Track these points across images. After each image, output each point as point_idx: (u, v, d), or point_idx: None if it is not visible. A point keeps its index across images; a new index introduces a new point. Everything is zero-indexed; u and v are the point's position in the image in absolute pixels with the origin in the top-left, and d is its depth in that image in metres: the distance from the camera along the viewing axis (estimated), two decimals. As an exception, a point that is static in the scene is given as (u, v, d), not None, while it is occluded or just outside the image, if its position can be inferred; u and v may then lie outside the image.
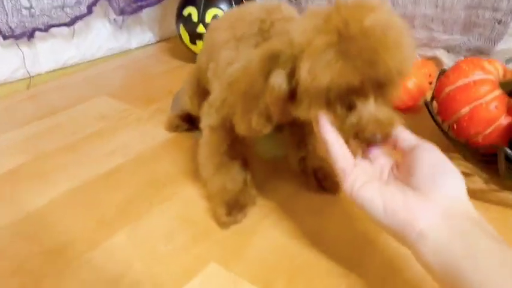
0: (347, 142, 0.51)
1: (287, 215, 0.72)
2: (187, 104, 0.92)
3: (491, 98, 0.77)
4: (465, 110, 0.78)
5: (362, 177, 0.49)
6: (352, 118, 0.50)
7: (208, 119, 0.73)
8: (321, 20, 0.48)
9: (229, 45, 0.68)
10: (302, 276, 0.60)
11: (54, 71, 1.35)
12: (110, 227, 0.70)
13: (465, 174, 0.77)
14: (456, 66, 0.83)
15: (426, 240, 0.42)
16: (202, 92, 0.83)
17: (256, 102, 0.56)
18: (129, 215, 0.73)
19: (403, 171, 0.49)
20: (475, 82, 0.78)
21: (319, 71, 0.47)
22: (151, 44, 1.63)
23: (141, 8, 1.43)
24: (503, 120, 0.77)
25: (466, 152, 0.82)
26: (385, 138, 0.51)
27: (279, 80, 0.52)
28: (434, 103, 0.87)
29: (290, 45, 0.50)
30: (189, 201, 0.76)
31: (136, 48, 1.58)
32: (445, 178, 0.45)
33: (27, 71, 1.27)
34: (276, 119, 0.57)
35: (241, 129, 0.62)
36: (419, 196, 0.44)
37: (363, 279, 0.59)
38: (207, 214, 0.73)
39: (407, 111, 1.03)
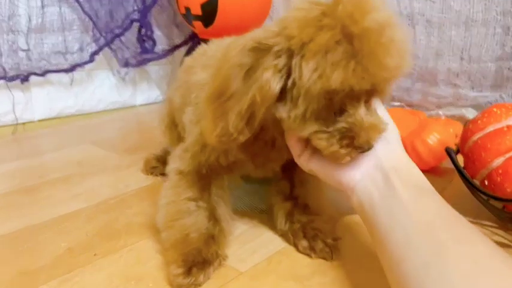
0: (332, 153, 0.47)
1: (261, 282, 0.55)
2: (165, 136, 0.85)
3: (532, 147, 0.61)
4: (498, 162, 0.63)
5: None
6: (342, 123, 0.46)
7: (178, 162, 0.63)
8: (318, 13, 0.44)
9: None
10: None
11: (48, 119, 1.28)
12: (33, 280, 0.56)
13: (502, 245, 0.60)
14: (486, 111, 0.69)
15: (357, 190, 0.47)
16: (175, 124, 0.78)
17: (235, 102, 0.47)
18: (64, 267, 0.59)
19: None
20: (509, 127, 0.63)
21: (328, 71, 0.42)
22: (158, 102, 1.56)
23: (146, 61, 1.38)
24: (550, 176, 0.60)
25: (503, 217, 0.65)
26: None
27: (270, 76, 0.44)
28: (460, 157, 0.71)
29: (285, 38, 0.45)
30: (141, 256, 0.61)
31: (141, 105, 1.51)
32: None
33: (16, 117, 1.19)
34: (258, 123, 0.48)
35: (211, 137, 0.50)
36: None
37: None
38: (160, 272, 0.56)
39: (430, 172, 0.87)
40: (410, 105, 1.09)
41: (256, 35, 0.46)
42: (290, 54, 0.44)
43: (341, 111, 0.46)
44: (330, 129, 0.46)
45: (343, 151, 0.46)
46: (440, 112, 1.00)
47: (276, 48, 0.45)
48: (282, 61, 0.45)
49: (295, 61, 0.44)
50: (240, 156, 0.57)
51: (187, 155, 0.61)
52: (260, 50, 0.45)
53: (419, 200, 0.44)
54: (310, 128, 0.47)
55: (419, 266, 0.38)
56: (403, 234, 0.41)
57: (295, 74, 0.44)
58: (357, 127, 0.45)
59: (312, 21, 0.43)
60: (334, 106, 0.45)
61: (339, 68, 0.41)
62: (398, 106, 1.10)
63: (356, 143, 0.45)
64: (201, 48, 0.75)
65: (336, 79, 0.41)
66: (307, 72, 0.42)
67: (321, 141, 0.47)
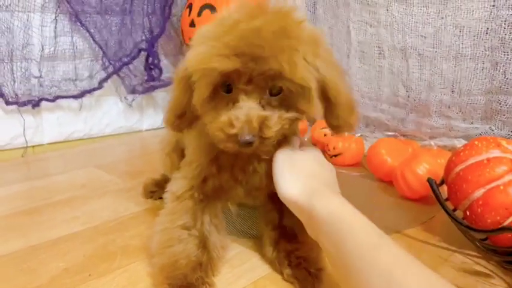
0: (213, 134, 0.53)
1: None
2: (164, 163, 0.86)
3: (510, 180, 0.63)
4: (478, 193, 0.65)
5: None
6: (229, 113, 0.51)
7: (173, 185, 0.67)
8: (226, 15, 0.51)
9: None
10: None
11: (57, 143, 1.33)
12: (29, 298, 0.58)
13: (483, 275, 0.61)
14: (469, 144, 0.71)
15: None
16: (181, 151, 0.79)
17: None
18: (59, 286, 0.61)
19: None
20: (489, 160, 0.66)
21: (198, 54, 0.50)
22: (164, 127, 1.61)
23: (152, 88, 1.43)
24: (528, 209, 0.62)
25: (484, 248, 0.66)
26: (261, 143, 0.51)
27: (182, 65, 0.55)
28: (445, 187, 0.73)
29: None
30: (133, 278, 0.63)
31: (148, 130, 1.56)
32: None
33: (26, 140, 1.25)
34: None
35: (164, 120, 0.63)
36: None
37: None
38: (149, 294, 0.59)
39: (419, 201, 0.89)
40: (404, 135, 1.12)
41: None
42: None
43: (236, 102, 0.52)
44: (219, 118, 0.52)
45: (221, 135, 0.51)
46: (432, 143, 1.02)
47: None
48: None
49: None
50: (219, 178, 0.63)
51: (179, 175, 0.66)
52: None
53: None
54: (210, 116, 0.53)
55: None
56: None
57: None
58: (234, 119, 0.50)
59: (219, 20, 0.52)
60: (231, 98, 0.52)
61: (204, 52, 0.49)
62: (392, 136, 1.13)
63: (226, 130, 0.50)
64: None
65: (194, 59, 0.50)
66: (189, 59, 0.51)
67: (209, 127, 0.53)
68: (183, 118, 0.58)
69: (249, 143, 0.50)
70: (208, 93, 0.52)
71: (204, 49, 0.49)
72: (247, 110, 0.50)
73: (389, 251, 0.42)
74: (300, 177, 0.55)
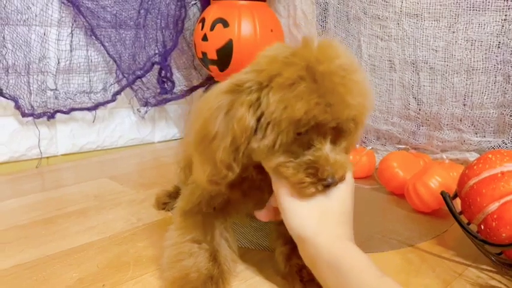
0: (298, 180, 0.50)
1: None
2: (179, 177, 0.87)
3: (525, 193, 0.63)
4: (493, 207, 0.64)
5: None
6: (308, 156, 0.50)
7: (181, 201, 0.68)
8: (288, 53, 0.49)
9: None
10: None
11: (70, 154, 1.35)
12: (44, 308, 0.59)
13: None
14: (482, 157, 0.71)
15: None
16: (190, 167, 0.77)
17: (219, 141, 0.51)
18: (73, 297, 0.62)
19: None
20: (503, 173, 0.66)
21: (292, 101, 0.46)
22: (176, 139, 1.63)
23: (165, 101, 1.45)
24: (544, 223, 0.61)
25: (499, 263, 0.66)
26: (339, 181, 0.51)
27: (245, 111, 0.49)
28: (458, 201, 0.73)
29: (256, 73, 0.50)
30: (146, 289, 0.64)
31: (159, 142, 1.58)
32: None
33: (40, 151, 1.27)
34: (242, 161, 0.52)
35: (203, 179, 0.55)
36: None
37: None
38: (162, 307, 0.59)
39: (432, 215, 0.89)
40: (416, 148, 1.12)
41: (232, 78, 0.52)
42: (260, 87, 0.49)
43: (309, 146, 0.50)
44: (297, 160, 0.50)
45: (308, 179, 0.50)
46: (444, 156, 1.02)
47: (247, 84, 0.50)
48: (254, 95, 0.49)
49: (264, 93, 0.49)
50: (229, 195, 0.62)
51: (187, 192, 0.67)
52: (235, 90, 0.50)
53: None
54: (277, 160, 0.51)
55: None
56: None
57: (263, 105, 0.48)
58: (322, 160, 0.49)
59: (281, 58, 0.49)
60: (303, 141, 0.50)
61: (302, 100, 0.46)
62: (403, 149, 1.13)
63: (320, 175, 0.49)
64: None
65: (300, 109, 0.46)
66: (273, 103, 0.47)
67: (287, 170, 0.51)
68: (232, 169, 0.53)
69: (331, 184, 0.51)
70: (287, 140, 0.49)
71: (294, 96, 0.46)
72: (329, 153, 0.50)
73: None
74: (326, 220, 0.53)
